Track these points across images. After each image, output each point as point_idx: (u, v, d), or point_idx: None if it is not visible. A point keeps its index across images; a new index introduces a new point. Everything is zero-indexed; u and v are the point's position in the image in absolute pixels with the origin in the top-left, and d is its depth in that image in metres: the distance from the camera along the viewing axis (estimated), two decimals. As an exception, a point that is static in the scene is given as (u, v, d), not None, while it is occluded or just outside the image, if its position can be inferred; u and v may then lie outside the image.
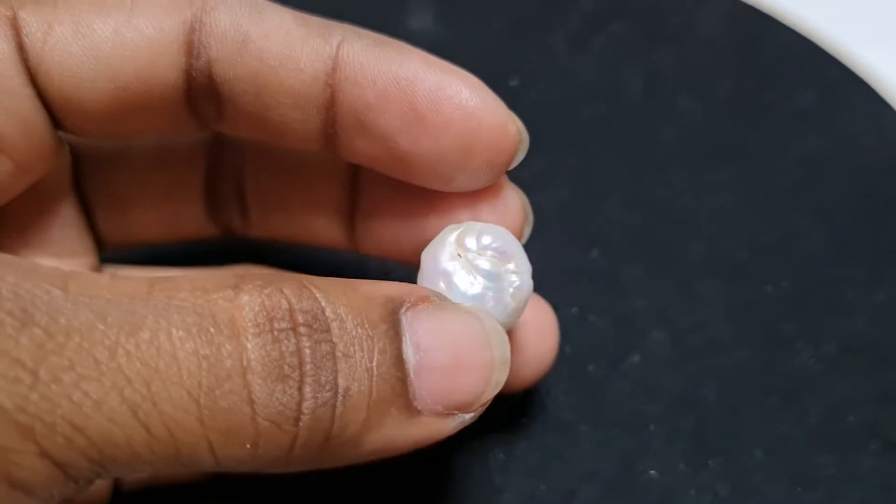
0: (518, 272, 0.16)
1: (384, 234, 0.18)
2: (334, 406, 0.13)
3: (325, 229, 0.19)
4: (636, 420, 0.22)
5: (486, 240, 0.16)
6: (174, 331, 0.13)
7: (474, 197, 0.17)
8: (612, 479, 0.21)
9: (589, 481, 0.21)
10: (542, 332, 0.19)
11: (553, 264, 0.24)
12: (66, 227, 0.18)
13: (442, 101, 0.16)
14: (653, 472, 0.21)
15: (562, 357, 0.23)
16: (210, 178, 0.19)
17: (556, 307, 0.23)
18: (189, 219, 0.20)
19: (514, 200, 0.17)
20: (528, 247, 0.17)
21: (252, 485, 0.20)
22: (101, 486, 0.19)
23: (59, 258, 0.18)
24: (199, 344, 0.13)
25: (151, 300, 0.13)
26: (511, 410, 0.22)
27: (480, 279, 0.16)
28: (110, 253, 0.20)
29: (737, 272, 0.24)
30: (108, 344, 0.12)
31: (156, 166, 0.19)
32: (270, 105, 0.16)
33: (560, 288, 0.24)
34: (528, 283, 0.17)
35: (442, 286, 0.16)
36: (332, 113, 0.16)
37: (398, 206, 0.18)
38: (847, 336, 0.23)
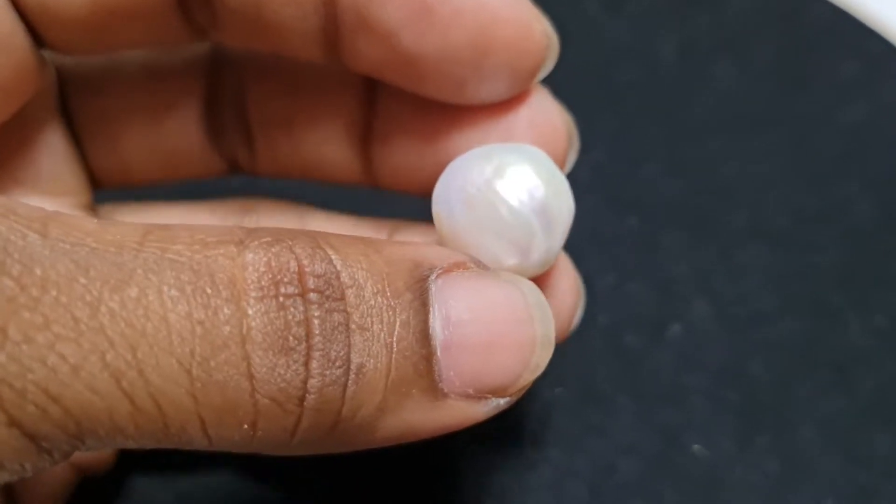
0: (554, 236, 0.14)
1: (403, 162, 0.17)
2: (345, 385, 0.12)
3: (337, 155, 0.17)
4: (678, 393, 0.21)
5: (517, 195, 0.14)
6: (166, 289, 0.11)
7: (504, 113, 0.15)
8: (653, 454, 0.20)
9: (629, 456, 0.20)
10: (561, 293, 0.17)
11: (589, 230, 0.23)
12: (56, 160, 0.17)
13: None
14: (697, 447, 0.20)
15: (598, 327, 0.22)
16: (209, 101, 0.18)
17: (593, 274, 0.22)
18: (188, 149, 0.18)
19: (552, 116, 0.15)
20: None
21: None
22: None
23: (51, 196, 0.17)
24: (194, 306, 0.11)
25: (143, 252, 0.11)
26: (545, 381, 0.21)
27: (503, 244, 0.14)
28: (109, 194, 0.19)
29: (782, 241, 0.23)
30: (89, 300, 0.11)
31: (146, 84, 0.17)
32: (264, 3, 0.14)
33: (596, 255, 0.22)
34: (557, 245, 0.14)
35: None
36: (331, 9, 0.14)
37: (418, 128, 0.16)
38: (897, 309, 0.22)
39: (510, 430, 0.20)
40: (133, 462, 0.19)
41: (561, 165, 0.15)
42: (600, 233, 0.23)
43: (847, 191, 0.24)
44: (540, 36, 0.14)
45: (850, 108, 0.25)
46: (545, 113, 0.15)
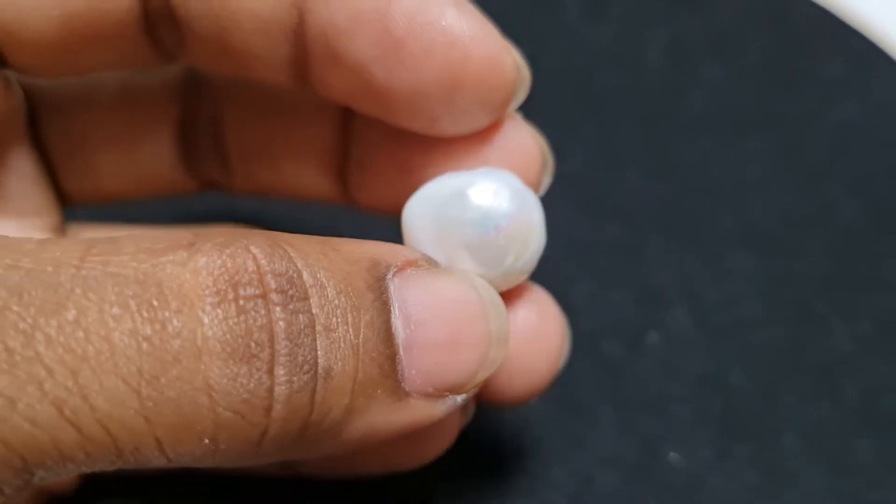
0: (520, 256, 0.15)
1: (380, 186, 0.16)
2: (314, 390, 0.12)
3: (314, 180, 0.17)
4: (658, 402, 0.20)
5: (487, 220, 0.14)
6: (107, 307, 0.11)
7: (479, 140, 0.15)
8: (633, 465, 0.20)
9: (608, 467, 0.20)
10: (541, 340, 0.16)
11: (567, 237, 0.22)
12: (24, 181, 0.17)
13: (422, 24, 0.13)
14: (677, 457, 0.20)
15: (578, 335, 0.21)
16: (184, 123, 0.17)
17: (571, 282, 0.22)
18: (161, 169, 0.18)
19: (527, 144, 0.15)
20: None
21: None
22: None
23: (18, 216, 0.17)
24: (139, 321, 0.11)
25: (83, 269, 0.11)
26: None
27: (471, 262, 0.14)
28: (79, 210, 0.18)
29: (766, 246, 0.22)
30: (22, 328, 0.10)
31: (122, 107, 0.17)
32: (231, 30, 0.14)
33: (575, 262, 0.22)
34: (530, 263, 0.15)
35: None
36: (300, 39, 0.14)
37: (394, 155, 0.16)
38: (883, 314, 0.22)
39: (487, 440, 0.20)
40: (101, 480, 0.19)
41: (535, 188, 0.15)
42: (579, 240, 0.22)
43: (834, 193, 0.23)
44: (510, 69, 0.14)
45: (838, 109, 0.25)
46: (519, 139, 0.15)
